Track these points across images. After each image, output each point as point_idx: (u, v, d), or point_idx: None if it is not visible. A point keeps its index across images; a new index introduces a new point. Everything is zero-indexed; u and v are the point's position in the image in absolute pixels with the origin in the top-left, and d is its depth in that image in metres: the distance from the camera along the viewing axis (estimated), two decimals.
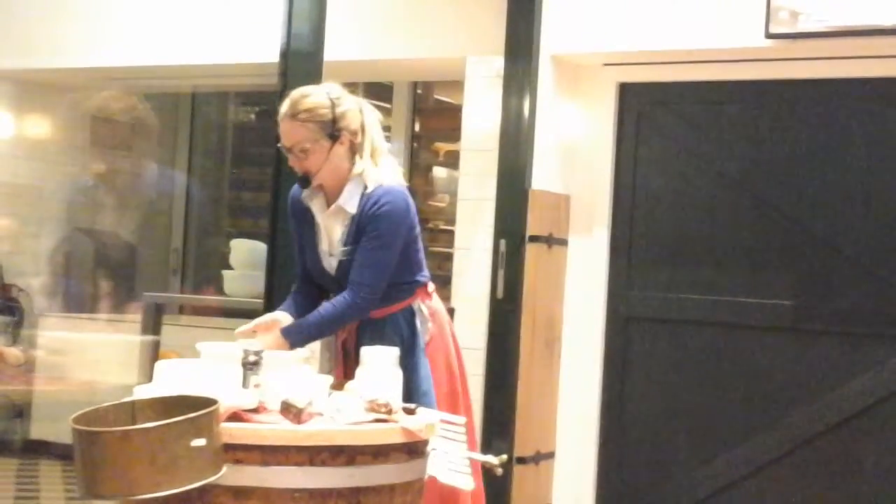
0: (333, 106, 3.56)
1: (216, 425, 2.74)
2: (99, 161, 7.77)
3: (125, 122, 7.83)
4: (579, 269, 5.80)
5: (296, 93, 3.60)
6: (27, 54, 6.96)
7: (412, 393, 3.53)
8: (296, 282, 3.77)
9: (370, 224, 3.53)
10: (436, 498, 3.44)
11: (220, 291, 6.19)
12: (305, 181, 3.59)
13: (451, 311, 5.65)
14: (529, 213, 5.47)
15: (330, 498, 2.84)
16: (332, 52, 4.46)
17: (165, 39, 6.57)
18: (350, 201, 3.58)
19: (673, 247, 5.67)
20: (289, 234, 3.82)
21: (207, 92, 8.17)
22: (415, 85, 7.62)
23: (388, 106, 7.48)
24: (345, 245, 3.57)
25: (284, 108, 3.56)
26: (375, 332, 3.58)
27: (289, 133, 3.55)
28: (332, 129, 3.54)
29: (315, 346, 3.77)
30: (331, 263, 3.62)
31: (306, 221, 3.68)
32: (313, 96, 3.57)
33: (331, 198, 3.63)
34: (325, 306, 3.58)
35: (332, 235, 3.62)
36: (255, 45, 5.37)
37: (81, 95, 7.52)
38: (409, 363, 3.57)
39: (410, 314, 3.66)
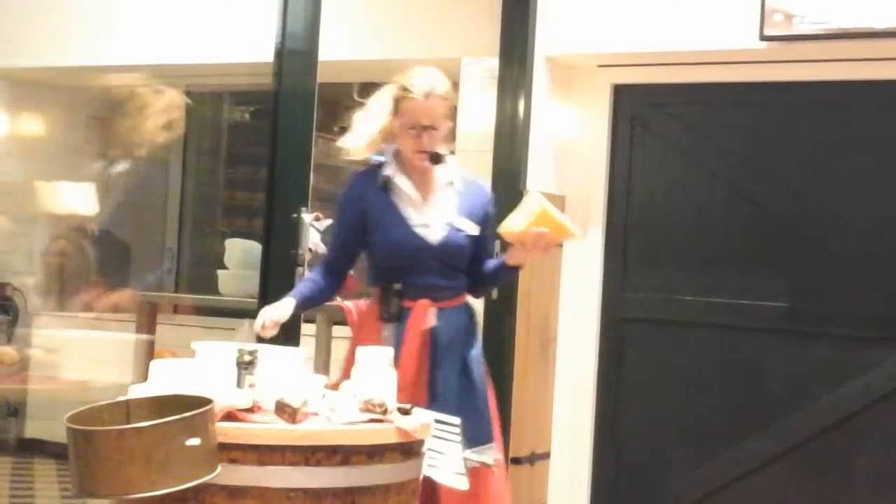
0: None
1: (211, 425, 2.74)
2: (94, 159, 7.75)
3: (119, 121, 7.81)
4: (574, 271, 5.80)
5: (431, 72, 3.66)
6: (21, 52, 6.95)
7: (471, 371, 3.71)
8: (318, 268, 3.75)
9: (491, 209, 3.81)
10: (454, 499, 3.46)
11: (215, 291, 6.19)
12: (438, 158, 3.66)
13: None
14: None
15: (325, 498, 2.84)
16: (327, 52, 4.46)
17: (160, 38, 6.56)
18: (457, 178, 3.75)
19: (668, 248, 5.68)
20: (285, 233, 3.80)
21: (202, 91, 8.16)
22: None
23: None
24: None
25: (427, 86, 3.60)
26: (451, 319, 3.69)
27: (435, 111, 3.61)
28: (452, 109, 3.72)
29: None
30: (436, 234, 3.67)
31: (383, 203, 3.68)
32: (443, 76, 3.66)
33: (414, 175, 3.70)
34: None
35: (441, 208, 3.70)
36: (250, 44, 5.36)
37: (77, 94, 7.51)
38: (473, 349, 3.74)
39: (468, 303, 3.83)
